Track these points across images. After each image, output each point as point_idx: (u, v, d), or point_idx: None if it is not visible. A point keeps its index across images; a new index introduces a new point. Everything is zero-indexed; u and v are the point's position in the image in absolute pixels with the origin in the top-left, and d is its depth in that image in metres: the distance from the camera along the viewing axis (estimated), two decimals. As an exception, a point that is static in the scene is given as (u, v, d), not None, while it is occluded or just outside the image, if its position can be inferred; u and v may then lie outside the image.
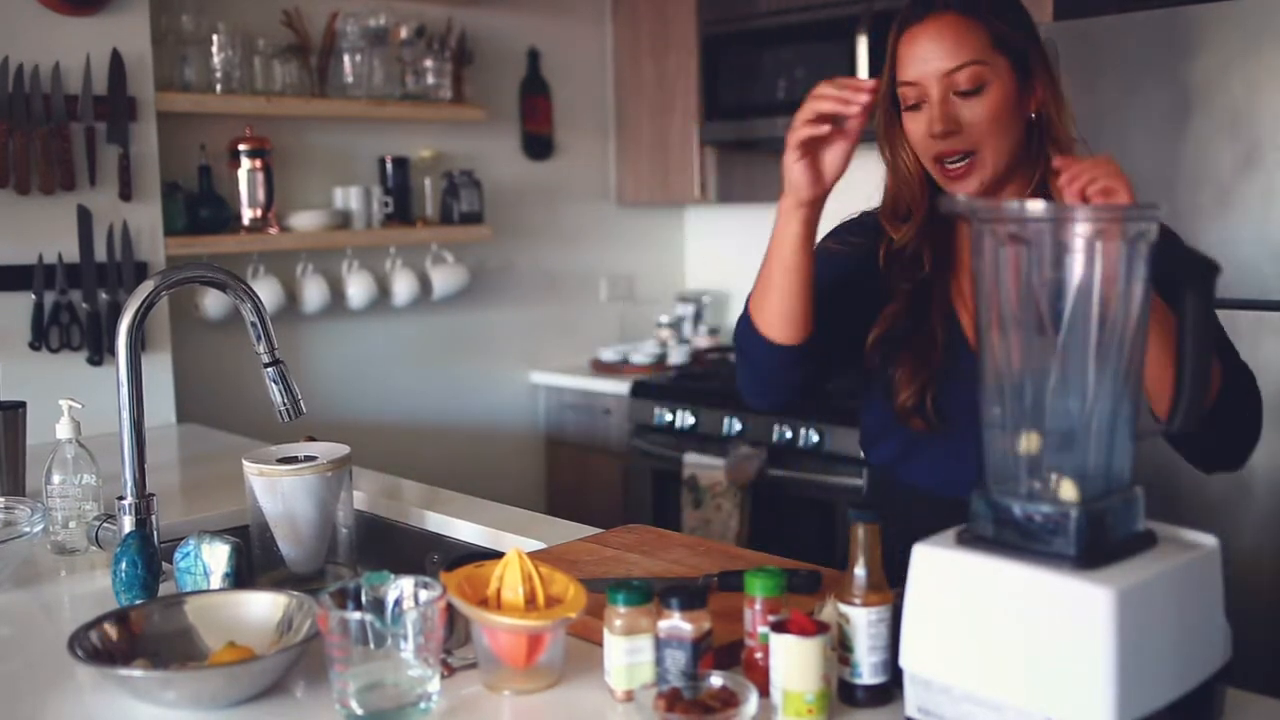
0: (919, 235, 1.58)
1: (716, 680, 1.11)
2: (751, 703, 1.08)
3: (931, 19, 1.49)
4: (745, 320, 1.54)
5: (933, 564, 1.05)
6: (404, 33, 3.47)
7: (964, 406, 1.42)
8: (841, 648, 1.14)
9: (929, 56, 1.48)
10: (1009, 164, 1.51)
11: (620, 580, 1.32)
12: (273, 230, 3.19)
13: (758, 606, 1.17)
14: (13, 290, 2.70)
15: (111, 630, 1.29)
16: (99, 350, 2.77)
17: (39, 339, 2.73)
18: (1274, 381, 2.21)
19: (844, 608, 1.13)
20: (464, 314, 3.74)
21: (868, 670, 1.14)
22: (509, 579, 1.23)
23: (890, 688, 1.14)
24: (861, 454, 1.80)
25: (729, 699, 1.09)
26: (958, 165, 1.50)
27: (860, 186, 1.64)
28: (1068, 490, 1.01)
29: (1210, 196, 2.26)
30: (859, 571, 1.13)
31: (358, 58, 3.37)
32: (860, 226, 1.66)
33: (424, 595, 1.20)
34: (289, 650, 1.22)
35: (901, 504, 1.57)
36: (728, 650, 1.22)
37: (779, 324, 1.49)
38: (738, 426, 3.27)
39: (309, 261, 3.32)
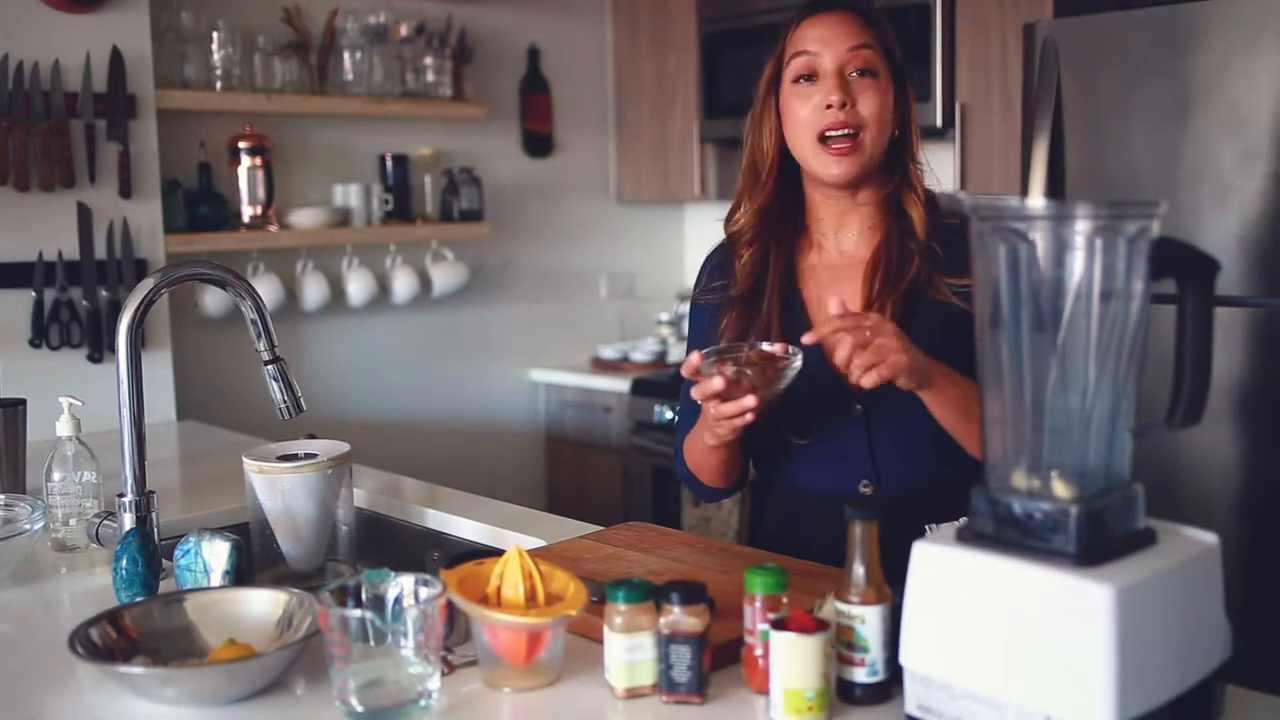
0: (756, 223, 1.64)
1: (754, 349, 1.43)
2: (799, 358, 1.39)
3: (836, 12, 1.59)
4: (687, 470, 1.71)
5: (933, 562, 1.05)
6: (404, 30, 3.47)
7: (819, 411, 1.57)
8: (849, 648, 1.13)
9: (832, 32, 1.57)
10: (878, 159, 1.59)
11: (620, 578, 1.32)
12: (273, 228, 3.19)
13: (757, 604, 1.17)
14: (13, 288, 2.70)
15: (111, 628, 1.29)
16: (99, 347, 2.78)
17: (39, 336, 2.73)
18: (1274, 379, 2.21)
19: (856, 607, 1.12)
20: (464, 312, 3.74)
21: (883, 667, 1.13)
22: (509, 576, 1.23)
23: (889, 685, 1.14)
24: None
25: (773, 357, 1.40)
26: (843, 142, 1.55)
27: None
28: (1061, 488, 1.01)
29: (1210, 193, 2.26)
30: (858, 570, 1.13)
31: (358, 55, 3.37)
32: (723, 266, 1.72)
33: (424, 593, 1.20)
34: (289, 648, 1.22)
35: (785, 504, 1.69)
36: (726, 647, 1.22)
37: (718, 479, 1.68)
38: (738, 424, 3.27)
39: (309, 259, 3.33)
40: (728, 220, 1.71)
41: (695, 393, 1.43)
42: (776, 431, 1.62)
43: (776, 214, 1.65)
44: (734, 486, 1.71)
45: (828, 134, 1.56)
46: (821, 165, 1.57)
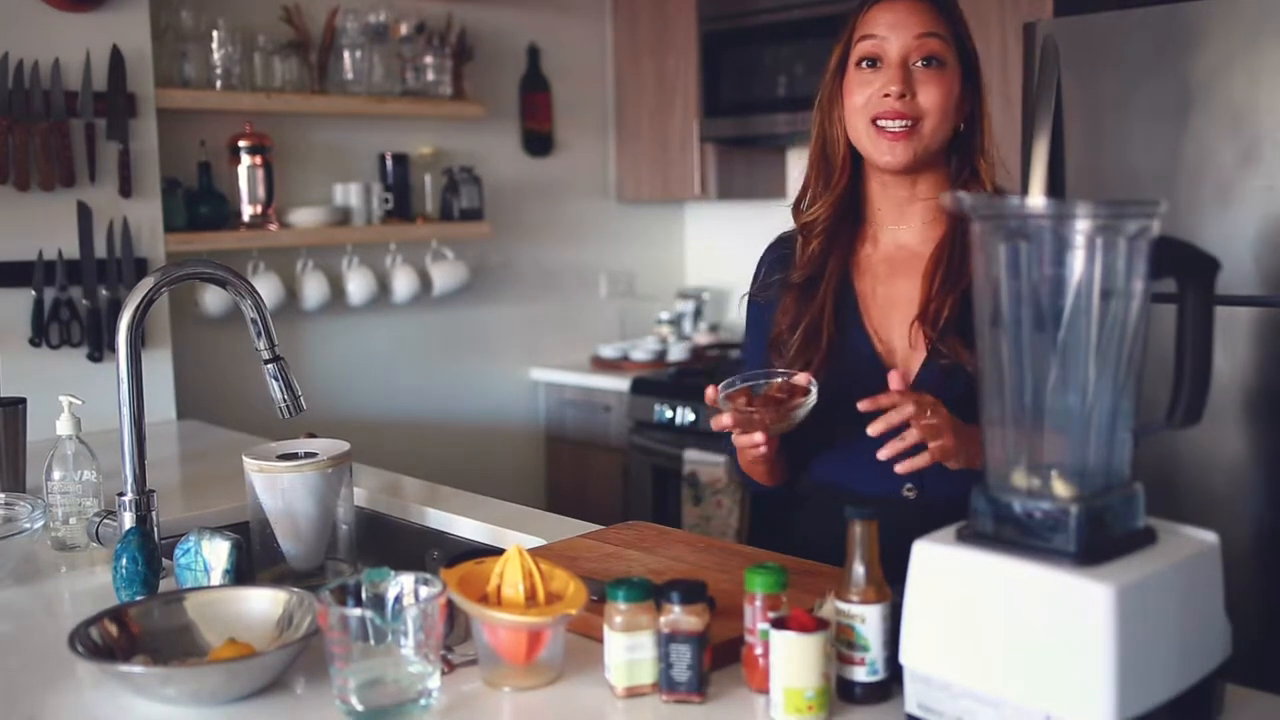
0: (831, 214, 1.63)
1: (777, 379, 1.45)
2: (814, 394, 1.42)
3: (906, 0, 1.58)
4: (740, 470, 1.72)
5: (933, 561, 1.05)
6: (404, 29, 3.47)
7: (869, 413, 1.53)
8: (849, 647, 1.13)
9: (900, 18, 1.56)
10: (936, 150, 1.58)
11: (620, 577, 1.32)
12: (273, 227, 3.19)
13: (757, 603, 1.17)
14: (13, 286, 2.70)
15: (112, 626, 1.29)
16: (99, 346, 2.77)
17: (39, 335, 2.73)
18: (1275, 379, 2.21)
19: (856, 607, 1.12)
20: (464, 311, 3.74)
21: (883, 666, 1.13)
22: (509, 575, 1.23)
23: (889, 684, 1.14)
24: None
25: (793, 390, 1.43)
26: (899, 129, 1.54)
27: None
28: (1061, 487, 1.01)
29: (1210, 192, 2.26)
30: (857, 569, 1.13)
31: (358, 54, 3.37)
32: (778, 261, 1.72)
33: (424, 592, 1.20)
34: (289, 647, 1.22)
35: (824, 504, 1.65)
36: (726, 646, 1.22)
37: (767, 481, 1.69)
38: (738, 423, 3.27)
39: (309, 258, 3.32)
40: (797, 208, 1.69)
41: (712, 424, 1.48)
42: (821, 434, 1.60)
43: (847, 204, 1.65)
44: (787, 485, 1.72)
45: (881, 121, 1.55)
46: (876, 149, 1.56)
